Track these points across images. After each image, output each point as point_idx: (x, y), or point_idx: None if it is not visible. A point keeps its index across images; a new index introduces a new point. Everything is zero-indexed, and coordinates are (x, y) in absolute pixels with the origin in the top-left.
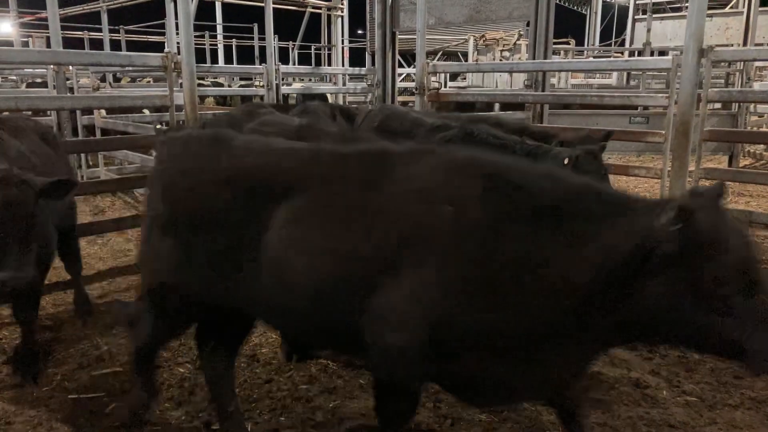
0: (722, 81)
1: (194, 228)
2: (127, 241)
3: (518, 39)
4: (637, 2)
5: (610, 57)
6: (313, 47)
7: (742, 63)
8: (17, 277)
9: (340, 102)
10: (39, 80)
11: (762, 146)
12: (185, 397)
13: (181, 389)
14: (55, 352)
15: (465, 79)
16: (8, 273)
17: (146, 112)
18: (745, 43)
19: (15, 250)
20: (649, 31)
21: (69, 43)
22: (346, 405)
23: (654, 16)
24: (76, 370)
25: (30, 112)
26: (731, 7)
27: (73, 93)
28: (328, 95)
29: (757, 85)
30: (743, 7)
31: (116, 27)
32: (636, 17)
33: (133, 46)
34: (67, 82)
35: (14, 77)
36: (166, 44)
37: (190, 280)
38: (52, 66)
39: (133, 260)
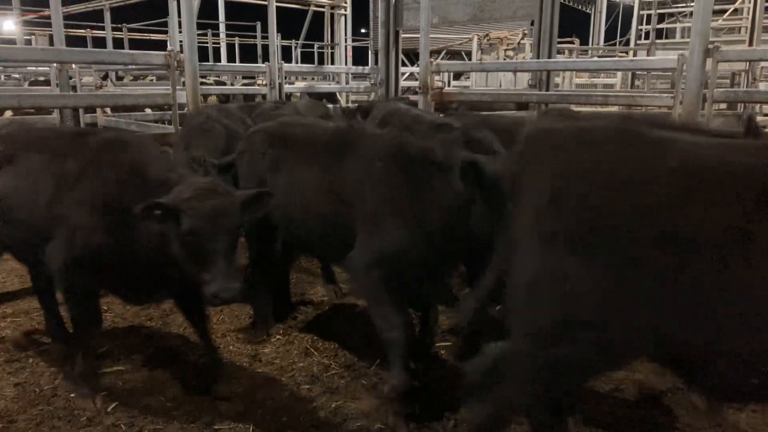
0: (728, 81)
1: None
2: None
3: (522, 38)
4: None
5: (614, 56)
6: (316, 46)
7: (747, 63)
8: (228, 289)
9: (344, 101)
10: (42, 78)
11: None
12: (187, 397)
13: (183, 388)
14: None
15: (468, 78)
16: (218, 286)
17: (148, 110)
18: (750, 44)
19: (222, 262)
20: (653, 29)
21: (72, 41)
22: (348, 405)
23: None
24: None
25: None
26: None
27: (76, 91)
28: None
29: (762, 86)
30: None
31: (119, 25)
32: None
33: (135, 44)
34: (70, 80)
35: (17, 75)
36: (168, 42)
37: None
38: (55, 64)
39: None
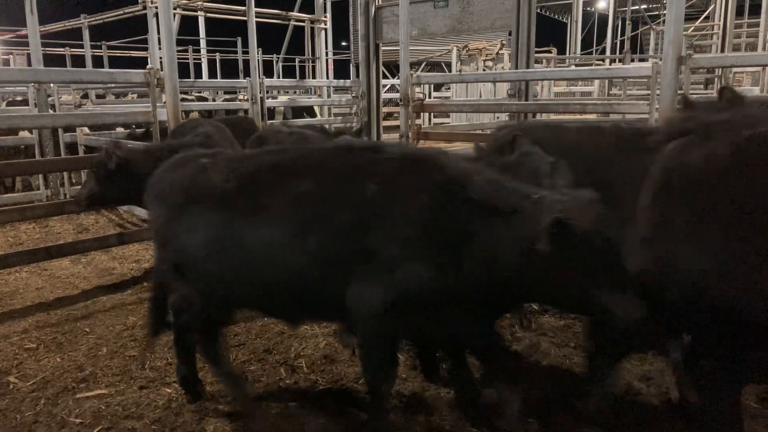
0: (702, 86)
1: None
2: (111, 260)
3: (501, 48)
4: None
5: (591, 65)
6: (297, 60)
7: (720, 69)
8: (634, 305)
9: (326, 114)
10: (20, 98)
11: None
12: (172, 418)
13: (168, 410)
14: (38, 375)
15: (449, 89)
16: (626, 304)
17: (120, 129)
18: (722, 50)
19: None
20: (628, 38)
21: (50, 59)
22: (337, 421)
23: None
24: (60, 393)
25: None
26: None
27: (55, 110)
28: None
29: None
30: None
31: (98, 43)
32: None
33: (115, 61)
34: (49, 98)
35: None
36: (149, 59)
37: None
38: (32, 84)
39: (117, 279)
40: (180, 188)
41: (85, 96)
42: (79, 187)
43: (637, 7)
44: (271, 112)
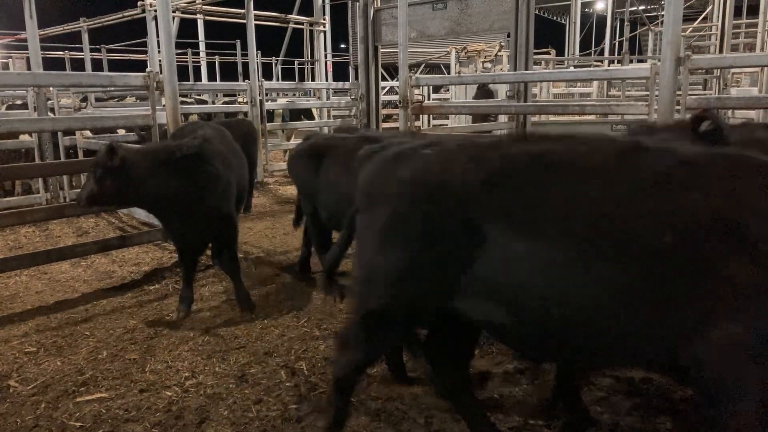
0: (700, 86)
1: None
2: (111, 263)
3: (499, 50)
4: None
5: (590, 66)
6: (296, 62)
7: (718, 70)
8: None
9: (325, 117)
10: (19, 102)
11: None
12: (173, 421)
13: (168, 414)
14: (38, 379)
15: (448, 90)
16: None
17: (121, 131)
18: (720, 51)
19: None
20: (627, 39)
21: (50, 62)
22: None
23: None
24: (60, 396)
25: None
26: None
27: (54, 114)
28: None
29: (734, 91)
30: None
31: (98, 46)
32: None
33: (114, 64)
34: (48, 102)
35: None
36: (148, 63)
37: None
38: (32, 87)
39: (117, 282)
40: (425, 186)
41: (85, 99)
42: (78, 190)
43: (635, 8)
44: (270, 115)
